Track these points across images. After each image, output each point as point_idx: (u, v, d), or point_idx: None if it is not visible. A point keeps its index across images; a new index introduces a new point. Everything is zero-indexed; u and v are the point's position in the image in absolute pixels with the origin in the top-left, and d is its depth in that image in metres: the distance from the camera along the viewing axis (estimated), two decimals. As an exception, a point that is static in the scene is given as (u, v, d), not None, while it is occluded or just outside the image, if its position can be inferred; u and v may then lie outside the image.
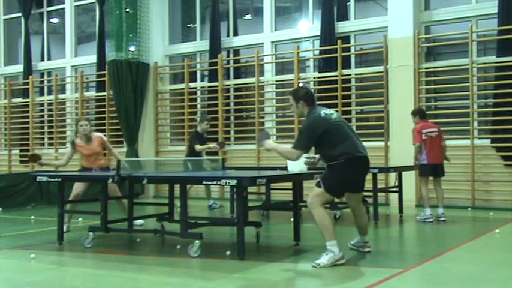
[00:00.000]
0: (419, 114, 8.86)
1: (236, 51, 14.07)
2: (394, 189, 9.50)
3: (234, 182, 5.63)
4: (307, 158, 5.96)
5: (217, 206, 10.73)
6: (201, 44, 14.25)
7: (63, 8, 16.37)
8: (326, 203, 5.68)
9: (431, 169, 8.67)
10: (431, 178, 8.82)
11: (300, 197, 8.47)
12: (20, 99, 16.77)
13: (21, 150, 16.50)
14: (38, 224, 9.04)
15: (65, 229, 7.35)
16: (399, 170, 9.33)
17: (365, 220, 6.09)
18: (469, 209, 10.23)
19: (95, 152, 8.03)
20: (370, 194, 8.55)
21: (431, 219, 8.52)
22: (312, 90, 12.61)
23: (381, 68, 11.55)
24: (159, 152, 14.28)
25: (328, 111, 5.72)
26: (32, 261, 5.88)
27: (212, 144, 10.30)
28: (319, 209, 5.47)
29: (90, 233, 6.65)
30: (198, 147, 10.08)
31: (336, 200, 7.05)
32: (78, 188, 7.83)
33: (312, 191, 5.61)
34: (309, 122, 5.62)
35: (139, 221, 7.98)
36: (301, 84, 12.62)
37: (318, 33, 12.32)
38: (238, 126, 13.52)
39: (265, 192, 9.28)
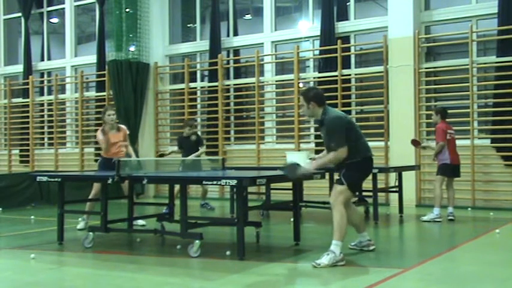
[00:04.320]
0: (441, 113, 8.84)
1: (236, 51, 14.06)
2: (394, 189, 9.49)
3: (234, 182, 5.64)
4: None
5: (208, 207, 10.71)
6: (201, 44, 14.25)
7: (63, 8, 16.37)
8: (347, 200, 5.77)
9: (452, 169, 8.69)
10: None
11: (300, 197, 8.51)
12: (20, 99, 16.77)
13: (21, 150, 16.51)
14: (38, 224, 9.04)
15: (82, 226, 7.88)
16: (399, 170, 9.33)
17: (359, 215, 6.21)
18: (469, 209, 10.22)
19: (120, 141, 8.20)
20: (370, 194, 8.56)
21: (440, 219, 8.51)
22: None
23: (381, 68, 11.54)
24: (159, 152, 14.27)
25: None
26: (32, 261, 5.88)
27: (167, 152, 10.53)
28: (341, 207, 5.58)
29: (90, 233, 6.65)
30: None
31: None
32: (98, 186, 7.85)
33: (334, 189, 5.69)
34: (336, 120, 5.66)
35: (140, 221, 8.01)
36: (301, 85, 12.64)
37: (318, 33, 12.31)
38: (238, 126, 13.51)
39: (265, 192, 9.28)
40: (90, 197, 7.96)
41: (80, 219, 8.11)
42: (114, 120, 8.21)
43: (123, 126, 8.45)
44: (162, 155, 8.56)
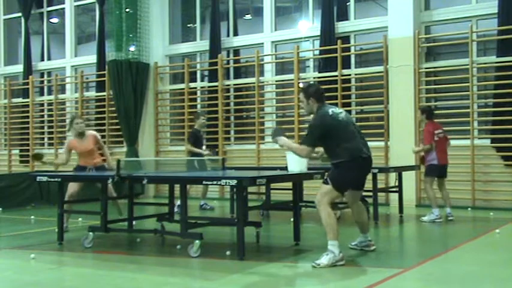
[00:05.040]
0: (427, 113, 8.77)
1: (236, 51, 14.06)
2: (394, 189, 9.49)
3: (234, 182, 5.64)
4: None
5: (208, 208, 10.69)
6: (201, 44, 14.24)
7: (63, 8, 16.36)
8: (333, 201, 5.76)
9: (439, 170, 8.67)
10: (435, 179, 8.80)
11: (300, 197, 8.50)
12: (20, 99, 16.76)
13: (21, 150, 16.51)
14: (38, 224, 9.04)
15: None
16: (399, 170, 9.33)
17: (365, 216, 6.19)
18: (469, 209, 10.22)
19: (88, 149, 8.02)
20: (370, 194, 8.56)
21: (440, 220, 8.49)
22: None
23: (381, 68, 11.54)
24: (159, 152, 14.28)
25: (337, 110, 5.85)
26: (32, 261, 5.88)
27: (205, 152, 10.19)
28: (326, 207, 5.55)
29: (90, 233, 6.65)
30: (191, 148, 10.12)
31: (336, 200, 7.06)
32: (72, 187, 7.81)
33: (320, 189, 5.66)
34: (315, 119, 5.71)
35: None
36: (301, 85, 12.63)
37: (318, 33, 12.31)
38: (238, 126, 13.52)
39: (265, 192, 9.28)
40: (66, 198, 7.60)
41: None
42: (82, 129, 8.00)
43: (91, 132, 8.20)
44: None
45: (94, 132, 8.29)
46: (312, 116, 5.84)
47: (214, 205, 11.09)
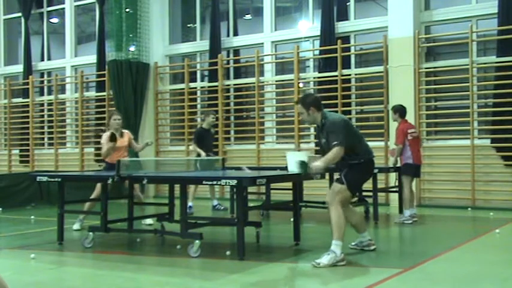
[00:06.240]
0: (399, 112, 8.66)
1: (236, 51, 14.06)
2: (394, 189, 9.49)
3: (234, 182, 5.64)
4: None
5: (222, 208, 10.65)
6: (201, 44, 14.24)
7: (63, 8, 16.36)
8: (345, 201, 5.71)
9: (415, 169, 8.62)
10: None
11: (300, 197, 8.51)
12: (20, 99, 16.77)
13: (21, 150, 16.51)
14: (38, 224, 9.04)
15: (78, 227, 7.90)
16: (399, 170, 9.31)
17: (358, 215, 6.18)
18: (469, 209, 10.22)
19: (124, 145, 8.17)
20: (370, 194, 8.56)
21: (410, 221, 8.33)
22: (312, 90, 12.66)
23: (381, 68, 11.54)
24: (159, 152, 14.28)
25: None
26: (32, 261, 5.89)
27: (202, 153, 9.72)
28: (338, 206, 5.56)
29: (90, 233, 6.65)
30: (196, 148, 9.88)
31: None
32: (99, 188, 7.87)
33: (332, 188, 5.67)
34: (336, 121, 5.63)
35: (148, 220, 8.09)
36: (301, 85, 12.64)
37: (318, 33, 12.31)
38: (238, 126, 13.52)
39: (265, 192, 9.28)
40: (92, 197, 7.93)
41: (78, 219, 8.09)
42: (120, 125, 8.18)
43: (126, 131, 8.40)
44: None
45: (128, 132, 8.46)
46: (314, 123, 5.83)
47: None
